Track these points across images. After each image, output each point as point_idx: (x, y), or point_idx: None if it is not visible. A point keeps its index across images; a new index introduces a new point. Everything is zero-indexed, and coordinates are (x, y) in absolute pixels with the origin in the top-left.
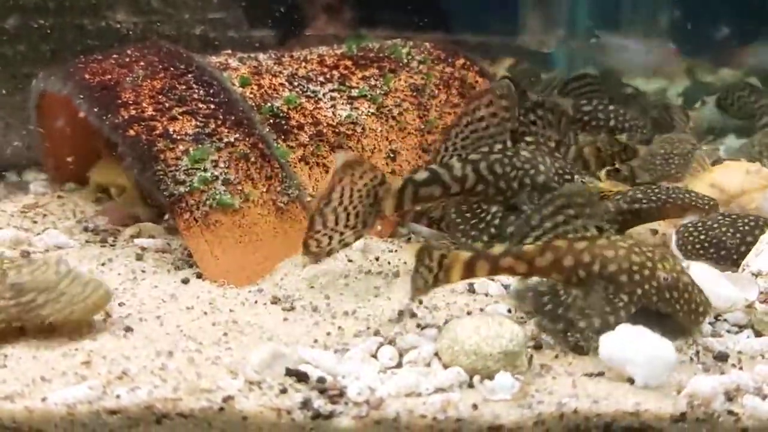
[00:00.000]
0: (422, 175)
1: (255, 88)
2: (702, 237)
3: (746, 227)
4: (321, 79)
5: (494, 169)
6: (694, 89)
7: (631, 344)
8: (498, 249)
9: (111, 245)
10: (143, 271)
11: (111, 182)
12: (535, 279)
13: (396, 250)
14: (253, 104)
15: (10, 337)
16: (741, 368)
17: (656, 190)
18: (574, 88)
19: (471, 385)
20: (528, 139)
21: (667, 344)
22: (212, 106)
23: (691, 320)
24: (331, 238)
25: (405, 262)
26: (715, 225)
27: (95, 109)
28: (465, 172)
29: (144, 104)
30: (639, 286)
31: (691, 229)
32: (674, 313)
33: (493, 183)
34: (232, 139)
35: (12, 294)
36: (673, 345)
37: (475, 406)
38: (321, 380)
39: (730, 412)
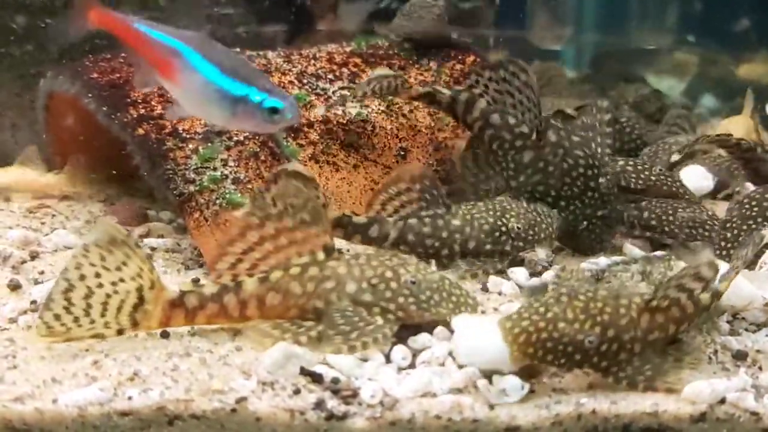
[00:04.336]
0: (443, 94)
1: None
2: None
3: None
4: (330, 76)
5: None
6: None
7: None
8: None
9: None
10: None
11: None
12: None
13: None
14: None
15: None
16: (760, 367)
17: (646, 170)
18: None
19: None
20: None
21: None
22: None
23: None
24: None
25: None
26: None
27: (104, 108)
28: (466, 111)
29: (153, 103)
30: None
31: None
32: None
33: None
34: (241, 138)
35: (410, 292)
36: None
37: (491, 407)
38: (335, 381)
39: (751, 412)
